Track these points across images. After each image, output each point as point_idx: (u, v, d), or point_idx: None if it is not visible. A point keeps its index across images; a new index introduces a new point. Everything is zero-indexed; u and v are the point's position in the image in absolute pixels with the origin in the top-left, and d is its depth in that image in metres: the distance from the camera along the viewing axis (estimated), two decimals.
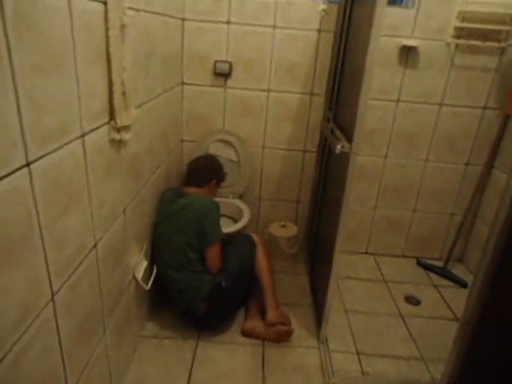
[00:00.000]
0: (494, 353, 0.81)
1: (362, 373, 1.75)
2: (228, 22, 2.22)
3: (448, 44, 2.20)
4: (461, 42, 2.17)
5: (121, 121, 1.26)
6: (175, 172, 2.30)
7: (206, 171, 2.01)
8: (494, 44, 2.16)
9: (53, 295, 0.97)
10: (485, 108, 2.32)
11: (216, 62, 2.28)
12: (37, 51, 0.83)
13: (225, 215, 2.35)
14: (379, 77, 2.25)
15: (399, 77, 2.29)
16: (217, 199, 1.93)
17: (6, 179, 0.77)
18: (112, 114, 1.23)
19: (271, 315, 1.88)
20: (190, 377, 1.66)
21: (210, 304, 1.79)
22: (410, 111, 2.36)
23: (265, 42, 2.25)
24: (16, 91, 0.77)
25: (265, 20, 2.21)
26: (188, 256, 1.76)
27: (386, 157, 2.48)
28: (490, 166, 2.38)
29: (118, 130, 1.27)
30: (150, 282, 1.73)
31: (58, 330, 1.01)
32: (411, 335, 1.99)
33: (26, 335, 0.87)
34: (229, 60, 2.29)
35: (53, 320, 0.98)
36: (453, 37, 2.17)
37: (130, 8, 1.30)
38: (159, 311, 1.99)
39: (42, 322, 0.93)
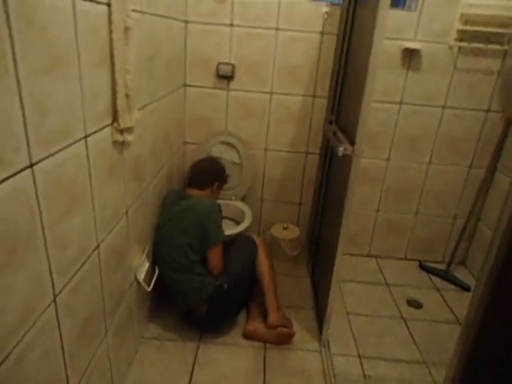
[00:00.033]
0: (496, 357, 0.81)
1: (364, 376, 1.74)
2: (231, 25, 2.23)
3: (451, 47, 2.20)
4: (463, 44, 2.17)
5: (124, 122, 1.26)
6: (177, 174, 2.30)
7: (208, 173, 2.01)
8: (497, 47, 2.15)
9: (55, 296, 0.97)
10: (488, 111, 2.32)
11: (219, 64, 2.29)
12: (41, 53, 0.84)
13: (227, 217, 2.35)
14: (382, 79, 2.25)
15: (402, 79, 2.29)
16: (219, 201, 1.93)
17: (9, 180, 0.77)
18: (115, 116, 1.23)
19: (273, 317, 1.88)
20: (191, 379, 1.66)
21: (211, 306, 1.78)
22: (413, 114, 2.36)
23: (267, 45, 2.26)
24: (20, 92, 0.78)
25: (268, 22, 2.21)
26: (189, 258, 1.76)
27: (388, 159, 2.48)
28: (493, 168, 2.37)
29: (121, 131, 1.28)
30: (152, 284, 1.74)
31: (59, 331, 1.01)
32: (413, 338, 1.98)
33: (27, 336, 0.87)
34: (232, 62, 2.29)
35: (55, 321, 0.98)
36: (455, 39, 2.17)
37: (134, 10, 1.30)
38: (161, 313, 1.99)
39: (43, 322, 0.93)
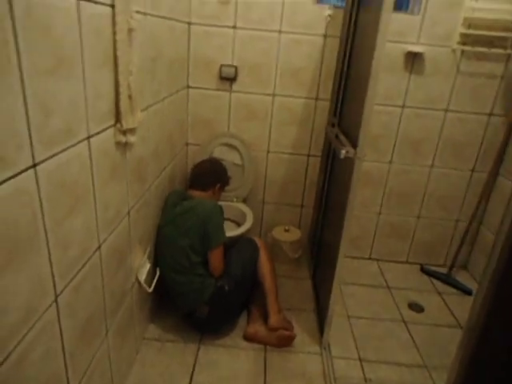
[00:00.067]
0: (498, 361, 0.80)
1: (365, 380, 1.73)
2: (234, 27, 2.23)
3: (454, 50, 2.20)
4: (467, 48, 2.17)
5: (126, 123, 1.26)
6: (180, 175, 2.31)
7: (210, 175, 2.02)
8: (500, 51, 2.15)
9: (56, 296, 0.97)
10: (490, 115, 2.31)
11: (222, 66, 2.29)
12: (45, 53, 0.84)
13: (228, 219, 2.35)
14: (385, 82, 2.25)
15: (405, 82, 2.29)
16: (220, 203, 1.93)
17: (12, 180, 0.77)
18: (118, 117, 1.24)
19: (273, 319, 1.87)
20: (191, 380, 1.65)
21: (212, 307, 1.78)
22: (416, 117, 2.36)
23: (270, 47, 2.26)
24: (24, 91, 0.78)
25: (271, 25, 2.22)
26: (191, 259, 1.76)
27: (390, 162, 2.47)
28: (495, 172, 2.37)
29: (124, 132, 1.28)
30: (153, 285, 1.74)
31: (60, 332, 1.01)
32: (414, 342, 1.98)
33: (28, 336, 0.87)
34: (234, 64, 2.30)
35: (56, 321, 0.98)
36: (459, 43, 2.17)
37: (137, 12, 1.31)
38: (162, 314, 1.99)
39: (45, 323, 0.93)
